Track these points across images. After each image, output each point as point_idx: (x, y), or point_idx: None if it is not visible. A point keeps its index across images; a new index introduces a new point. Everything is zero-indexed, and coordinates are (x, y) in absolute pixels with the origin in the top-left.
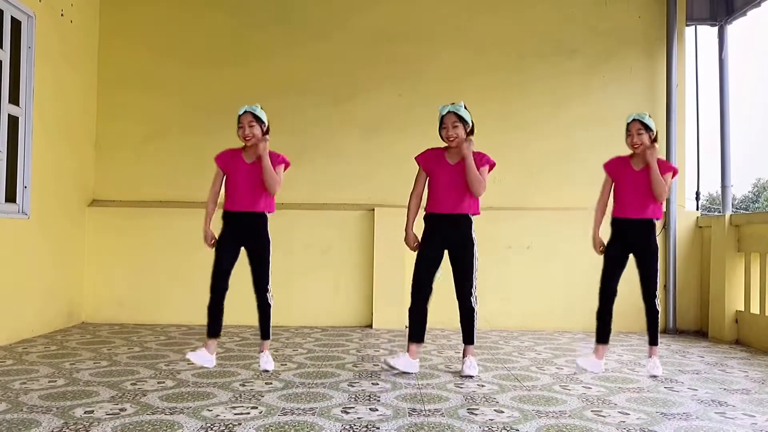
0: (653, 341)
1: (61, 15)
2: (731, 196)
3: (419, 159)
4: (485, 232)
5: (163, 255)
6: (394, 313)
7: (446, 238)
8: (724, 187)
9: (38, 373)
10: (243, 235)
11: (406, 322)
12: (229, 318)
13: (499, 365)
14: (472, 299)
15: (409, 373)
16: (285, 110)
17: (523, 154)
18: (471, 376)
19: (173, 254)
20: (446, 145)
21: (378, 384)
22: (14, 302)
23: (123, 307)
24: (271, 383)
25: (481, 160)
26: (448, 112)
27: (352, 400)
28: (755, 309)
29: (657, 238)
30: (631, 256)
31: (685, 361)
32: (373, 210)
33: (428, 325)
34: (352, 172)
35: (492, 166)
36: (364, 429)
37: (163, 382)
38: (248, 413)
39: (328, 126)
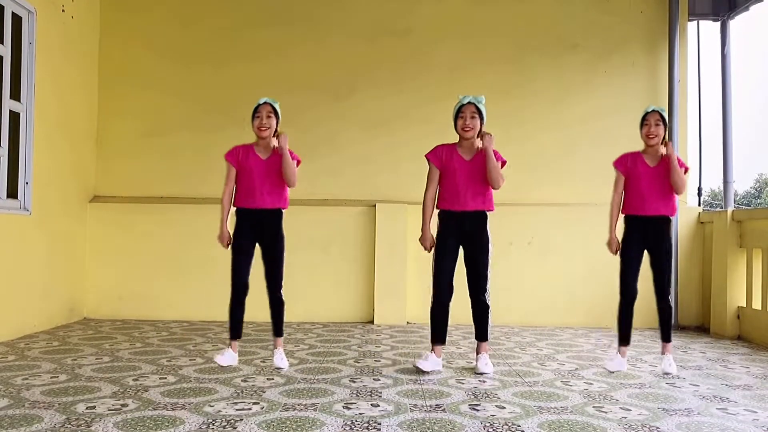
0: (666, 338)
1: (62, 11)
2: (733, 192)
3: (431, 156)
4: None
5: (164, 251)
6: (396, 309)
7: (463, 235)
8: (726, 182)
9: (40, 369)
10: (260, 232)
11: (407, 318)
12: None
13: (500, 361)
14: (486, 295)
15: (432, 371)
16: (286, 106)
17: (525, 149)
18: (484, 373)
19: (174, 250)
20: (456, 141)
21: (379, 380)
22: (16, 298)
23: (124, 303)
24: (272, 379)
25: (495, 156)
26: (469, 102)
27: (354, 395)
28: (757, 305)
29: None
30: (645, 253)
31: (687, 357)
32: (375, 206)
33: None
34: (354, 168)
35: (503, 163)
36: (366, 425)
37: (165, 378)
38: (250, 409)
39: (330, 122)
